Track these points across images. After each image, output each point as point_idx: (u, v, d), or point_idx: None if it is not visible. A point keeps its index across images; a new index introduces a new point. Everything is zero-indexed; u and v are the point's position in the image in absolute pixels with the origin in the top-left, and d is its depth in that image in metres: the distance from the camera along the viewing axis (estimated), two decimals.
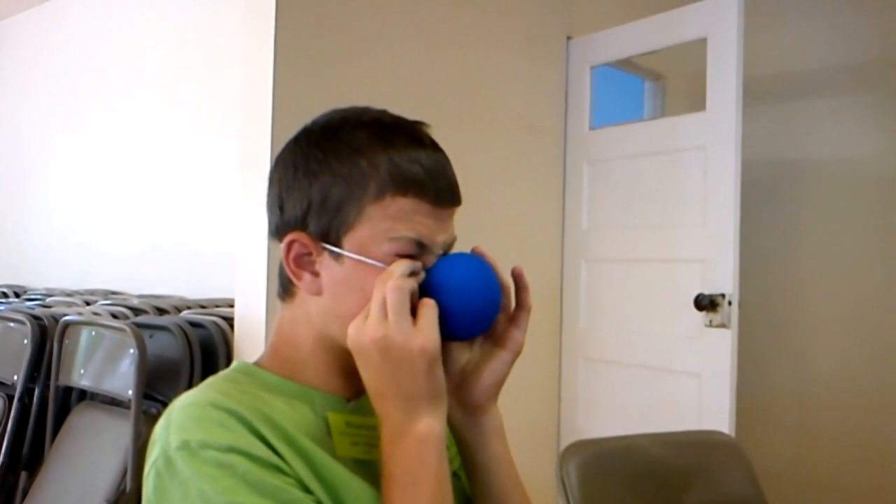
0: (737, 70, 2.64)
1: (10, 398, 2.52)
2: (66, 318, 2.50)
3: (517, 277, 0.92)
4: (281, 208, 0.88)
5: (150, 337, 2.32)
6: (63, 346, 2.45)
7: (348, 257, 0.84)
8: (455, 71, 2.75)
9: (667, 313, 2.86)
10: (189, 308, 2.76)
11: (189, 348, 2.28)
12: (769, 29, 3.39)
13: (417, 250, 0.85)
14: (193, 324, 2.37)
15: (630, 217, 3.01)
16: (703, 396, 2.71)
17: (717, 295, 2.64)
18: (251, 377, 0.88)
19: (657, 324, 2.91)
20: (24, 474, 2.45)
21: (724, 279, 2.65)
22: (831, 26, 3.46)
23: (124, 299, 3.19)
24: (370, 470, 0.84)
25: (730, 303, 2.62)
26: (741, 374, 2.65)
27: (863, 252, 3.32)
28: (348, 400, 0.90)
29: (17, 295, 3.89)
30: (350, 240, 0.84)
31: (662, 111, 3.69)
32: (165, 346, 2.32)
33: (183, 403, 0.78)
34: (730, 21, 2.66)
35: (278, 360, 0.90)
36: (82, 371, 2.39)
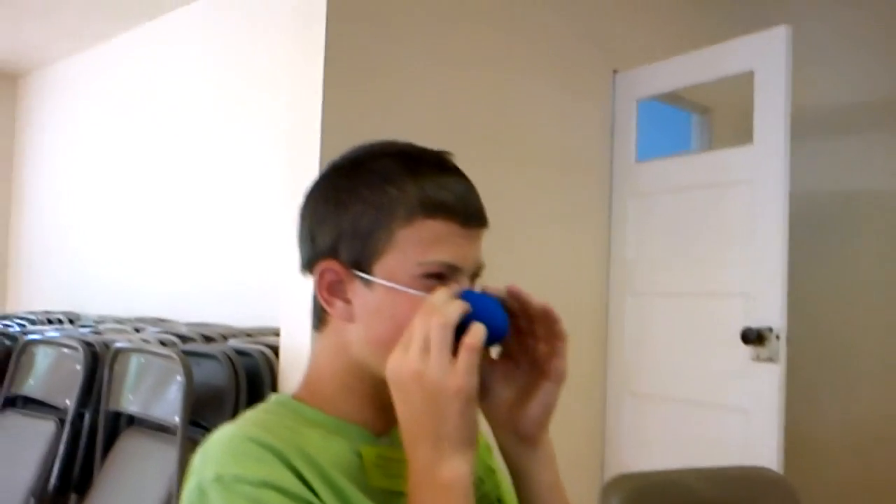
0: (785, 103, 2.62)
1: (62, 422, 2.58)
2: (117, 344, 2.54)
3: (523, 301, 0.90)
4: (312, 240, 0.90)
5: (198, 365, 2.35)
6: (113, 372, 2.50)
7: (379, 284, 0.85)
8: (500, 103, 2.78)
9: (714, 347, 2.82)
10: (235, 336, 2.79)
11: (235, 376, 2.30)
12: (816, 62, 3.36)
13: (448, 272, 0.86)
14: (239, 352, 2.40)
15: (676, 250, 2.99)
16: (750, 432, 2.66)
17: (764, 329, 2.60)
18: (289, 410, 0.89)
19: (704, 358, 2.87)
20: (74, 496, 2.49)
21: (771, 313, 2.61)
22: (878, 58, 3.42)
23: (172, 327, 3.24)
24: (401, 501, 0.84)
25: (777, 337, 2.58)
26: (789, 410, 2.60)
27: None
28: (382, 432, 0.91)
29: (71, 321, 3.98)
30: (381, 267, 0.85)
31: (710, 144, 3.67)
32: (212, 373, 2.34)
33: (221, 436, 0.79)
34: (778, 54, 2.65)
35: (314, 391, 0.91)
36: (131, 397, 2.44)
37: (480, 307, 0.84)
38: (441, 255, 0.85)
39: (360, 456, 0.86)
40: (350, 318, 0.88)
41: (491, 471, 1.01)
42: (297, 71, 2.34)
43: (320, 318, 0.92)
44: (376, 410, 0.89)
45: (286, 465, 0.77)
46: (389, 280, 0.85)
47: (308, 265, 0.91)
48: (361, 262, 0.86)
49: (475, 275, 0.90)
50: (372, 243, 0.85)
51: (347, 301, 0.88)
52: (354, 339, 0.88)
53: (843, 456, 3.40)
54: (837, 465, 3.39)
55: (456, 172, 0.90)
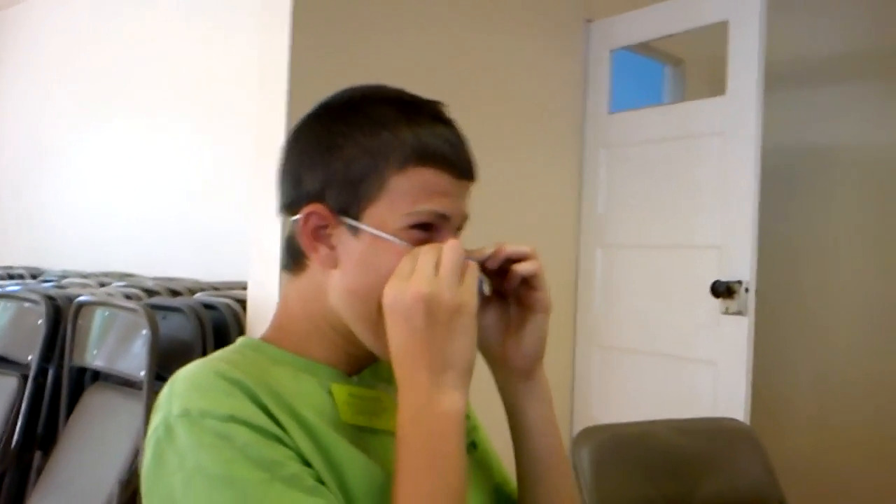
0: (758, 54, 2.60)
1: (25, 378, 2.53)
2: (80, 298, 2.50)
3: (500, 254, 0.91)
4: (299, 182, 0.87)
5: (164, 318, 2.32)
6: (77, 326, 2.46)
7: (366, 232, 0.83)
8: (472, 53, 2.73)
9: (683, 300, 2.83)
10: (202, 290, 2.76)
11: (202, 330, 2.28)
12: (791, 12, 3.34)
13: (436, 221, 0.85)
14: (206, 305, 2.37)
15: (647, 202, 2.98)
16: (718, 385, 2.68)
17: (733, 282, 2.61)
18: (258, 351, 0.87)
19: (673, 311, 2.88)
20: (38, 454, 2.46)
21: (741, 266, 2.61)
22: (855, 9, 3.40)
23: (138, 281, 3.19)
24: (372, 439, 0.83)
25: (746, 290, 2.59)
26: (758, 363, 2.62)
27: (885, 241, 3.27)
28: (352, 374, 0.90)
29: (33, 277, 3.91)
30: (369, 214, 0.84)
31: (682, 96, 3.65)
32: (178, 327, 2.32)
33: (187, 372, 0.78)
34: (752, 3, 2.62)
35: (284, 334, 0.90)
36: (95, 352, 2.40)
37: None
38: (432, 204, 0.84)
39: (330, 394, 0.85)
40: (333, 265, 0.86)
41: (466, 416, 1.01)
42: (266, 24, 2.28)
43: (297, 260, 0.89)
44: (346, 356, 0.89)
45: (254, 400, 0.75)
46: (378, 228, 0.83)
47: (290, 207, 0.88)
48: (350, 209, 0.84)
49: (459, 228, 0.89)
50: (363, 189, 0.83)
51: (332, 247, 0.85)
52: (333, 286, 0.86)
53: (808, 408, 3.45)
54: (803, 417, 3.45)
55: (451, 124, 0.89)
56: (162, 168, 4.05)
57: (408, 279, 0.79)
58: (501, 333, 0.93)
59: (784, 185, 3.35)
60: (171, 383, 0.78)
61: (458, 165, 0.86)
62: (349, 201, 0.84)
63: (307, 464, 0.75)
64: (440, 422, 0.77)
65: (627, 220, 3.05)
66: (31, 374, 2.52)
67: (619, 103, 3.16)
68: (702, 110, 2.85)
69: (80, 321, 2.46)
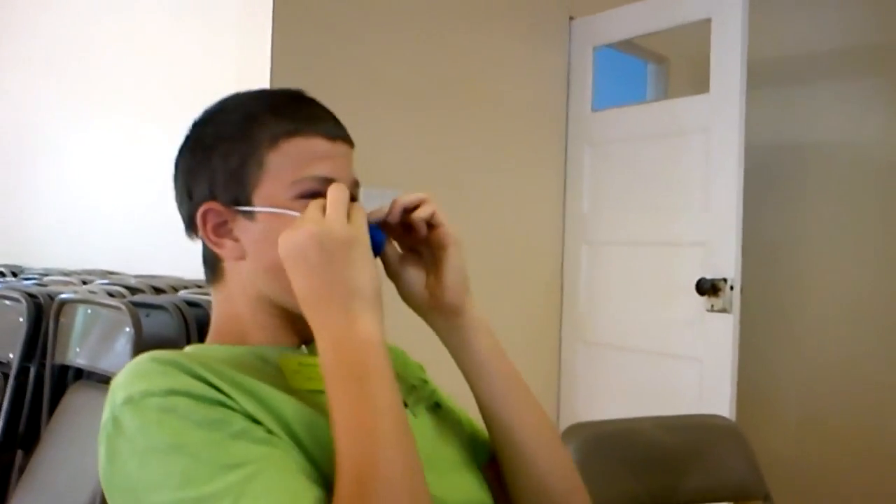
0: (741, 51, 2.62)
1: (6, 377, 2.50)
2: (62, 296, 2.47)
3: (397, 204, 0.92)
4: (190, 195, 0.91)
5: (147, 316, 2.30)
6: (59, 324, 2.43)
7: (261, 213, 0.86)
8: (455, 52, 2.72)
9: (668, 297, 2.85)
10: (186, 287, 2.74)
11: (186, 327, 2.26)
12: (773, 11, 3.36)
13: (323, 187, 0.85)
14: (190, 303, 2.35)
15: (631, 200, 2.99)
16: (703, 381, 2.70)
17: (718, 279, 2.62)
18: (201, 349, 0.89)
19: (658, 308, 2.89)
20: (19, 453, 2.44)
21: (725, 263, 2.63)
22: (836, 9, 3.43)
23: (121, 279, 3.17)
24: (324, 398, 0.82)
25: (731, 287, 2.60)
26: (742, 360, 2.64)
27: (867, 238, 3.30)
28: (298, 346, 0.92)
29: (14, 274, 3.87)
30: (259, 197, 0.87)
31: (665, 94, 3.66)
32: (162, 325, 2.30)
33: (126, 366, 0.79)
34: (734, 1, 2.63)
35: (224, 335, 0.92)
36: (78, 349, 2.37)
37: None
38: (313, 170, 0.87)
39: (278, 369, 0.86)
40: (242, 255, 0.89)
41: (424, 381, 1.03)
42: (247, 21, 2.27)
43: (214, 269, 0.93)
44: (290, 333, 0.91)
45: (192, 374, 0.75)
46: (270, 206, 0.86)
47: (191, 221, 0.91)
48: (240, 198, 0.87)
49: (352, 193, 0.90)
50: (245, 176, 0.87)
51: (236, 239, 0.89)
52: (251, 274, 0.89)
53: (793, 403, 3.48)
54: (788, 413, 3.47)
55: (313, 101, 0.92)
56: (144, 165, 4.02)
57: (298, 227, 0.80)
58: (422, 280, 0.94)
59: (766, 182, 3.37)
60: (113, 381, 0.78)
61: (326, 128, 0.89)
62: (237, 191, 0.87)
63: (255, 422, 0.75)
64: (359, 347, 0.77)
65: (612, 218, 3.05)
66: (13, 372, 2.49)
67: (603, 101, 3.16)
68: (685, 108, 2.86)
69: (62, 319, 2.43)
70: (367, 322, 0.78)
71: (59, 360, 2.43)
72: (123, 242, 4.06)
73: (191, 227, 0.91)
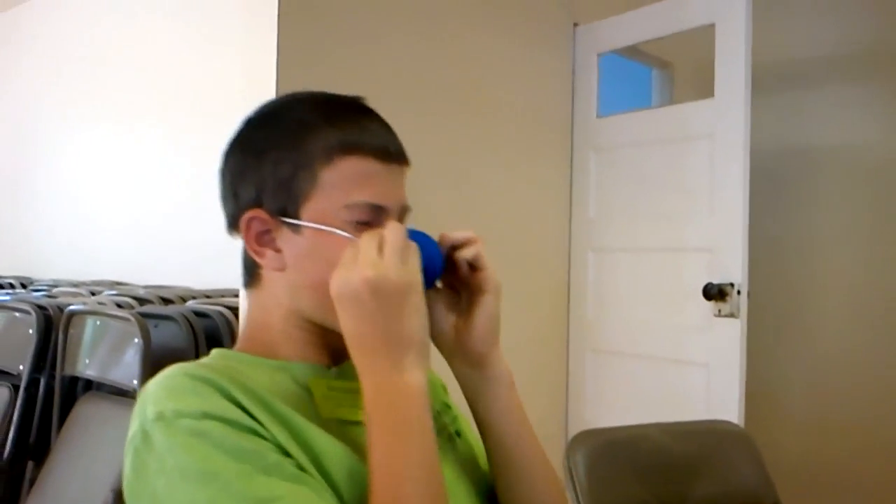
0: (745, 56, 2.61)
1: (16, 388, 2.52)
2: (71, 307, 2.49)
3: (446, 240, 0.91)
4: (235, 196, 0.89)
5: (156, 327, 2.31)
6: (68, 336, 2.44)
7: (308, 227, 0.84)
8: (460, 58, 2.73)
9: (675, 303, 2.84)
10: (194, 298, 2.75)
11: (194, 338, 2.27)
12: (777, 16, 3.35)
13: (375, 215, 0.85)
14: (198, 313, 2.36)
15: (638, 206, 2.99)
16: (711, 387, 2.69)
17: (725, 284, 2.62)
18: (230, 358, 0.88)
19: (665, 314, 2.89)
20: (30, 464, 2.45)
21: (732, 268, 2.62)
22: (839, 14, 3.42)
23: (130, 290, 3.18)
24: (353, 430, 0.83)
25: (739, 292, 2.60)
26: (750, 364, 2.63)
27: (874, 241, 3.29)
28: (330, 367, 0.90)
29: (23, 286, 3.89)
30: (307, 211, 0.85)
31: (670, 100, 3.66)
32: (170, 336, 2.31)
33: (158, 378, 0.78)
34: (738, 6, 2.63)
35: (253, 343, 0.90)
36: (87, 361, 2.39)
37: (418, 241, 0.84)
38: (365, 195, 0.85)
39: (308, 391, 0.85)
40: (282, 267, 0.87)
41: (447, 406, 1.02)
42: (253, 29, 2.28)
43: (252, 274, 0.91)
44: (320, 351, 0.89)
45: (226, 395, 0.75)
46: (317, 223, 0.84)
47: (234, 221, 0.89)
48: (287, 208, 0.85)
49: (401, 218, 0.89)
50: (295, 187, 0.85)
51: (278, 250, 0.87)
52: (289, 287, 0.87)
53: (802, 408, 3.46)
54: (797, 418, 3.46)
55: (371, 113, 0.90)
56: (152, 175, 4.04)
57: (352, 266, 0.79)
58: (453, 323, 0.92)
59: (772, 186, 3.37)
60: (143, 391, 0.77)
61: (383, 149, 0.87)
62: (285, 201, 0.85)
63: (286, 454, 0.75)
64: (403, 395, 0.77)
65: (618, 224, 3.05)
66: (23, 384, 2.50)
67: (608, 107, 3.16)
68: (690, 113, 2.86)
69: (71, 330, 2.45)
70: (415, 374, 0.78)
71: (68, 372, 2.44)
72: (131, 253, 4.08)
73: (233, 227, 0.90)
